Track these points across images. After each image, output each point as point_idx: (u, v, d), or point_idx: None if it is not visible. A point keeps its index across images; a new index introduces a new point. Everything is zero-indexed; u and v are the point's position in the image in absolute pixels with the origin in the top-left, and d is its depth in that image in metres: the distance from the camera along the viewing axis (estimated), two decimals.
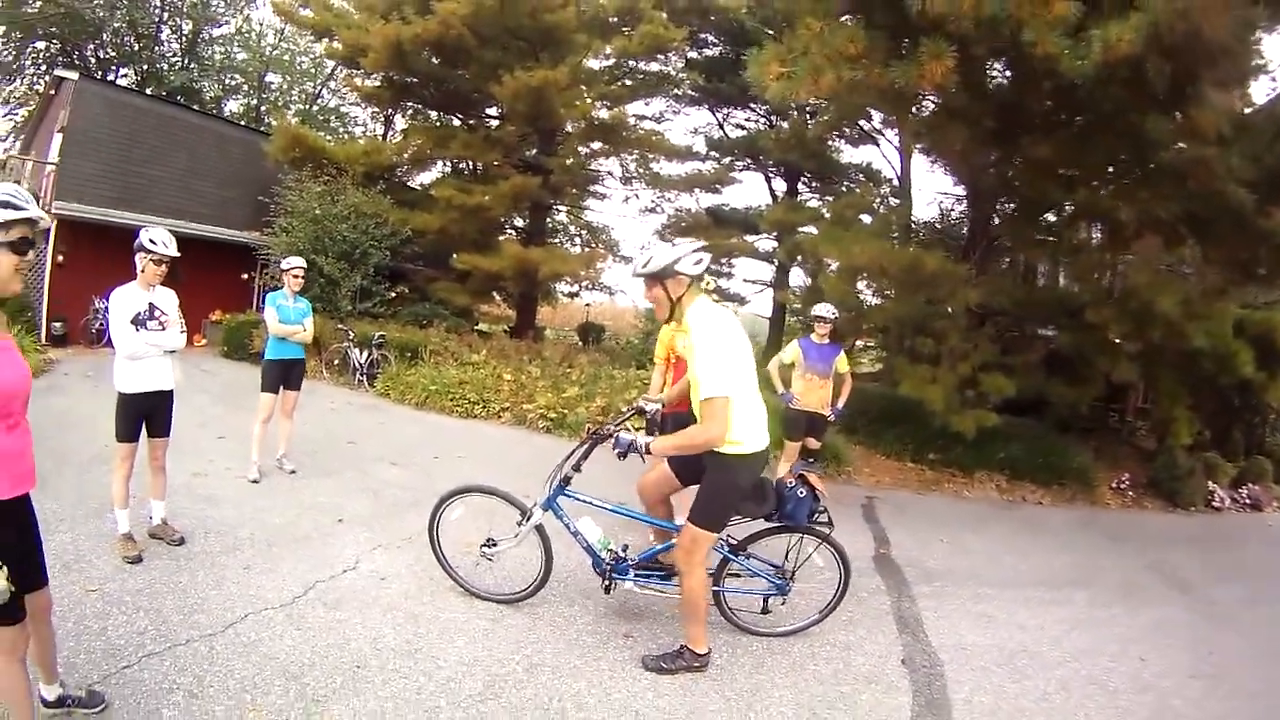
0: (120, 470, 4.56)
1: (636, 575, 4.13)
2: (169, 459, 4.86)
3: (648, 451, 3.59)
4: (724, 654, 3.97)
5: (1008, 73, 8.57)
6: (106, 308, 16.58)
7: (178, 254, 4.65)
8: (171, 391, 4.74)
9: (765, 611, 4.22)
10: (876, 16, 7.39)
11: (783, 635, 4.28)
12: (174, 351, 4.72)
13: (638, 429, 4.63)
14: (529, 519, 4.09)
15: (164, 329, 4.64)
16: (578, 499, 4.13)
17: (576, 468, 4.04)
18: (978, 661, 4.32)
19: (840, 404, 7.36)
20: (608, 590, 4.16)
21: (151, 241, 4.54)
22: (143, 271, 4.60)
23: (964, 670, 4.18)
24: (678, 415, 5.50)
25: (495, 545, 4.24)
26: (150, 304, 4.62)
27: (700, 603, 3.62)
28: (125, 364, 4.53)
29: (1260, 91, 9.80)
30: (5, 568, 2.34)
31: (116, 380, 4.55)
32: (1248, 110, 8.86)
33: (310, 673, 3.34)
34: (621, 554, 4.12)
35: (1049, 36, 6.19)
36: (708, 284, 4.71)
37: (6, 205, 2.35)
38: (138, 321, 4.54)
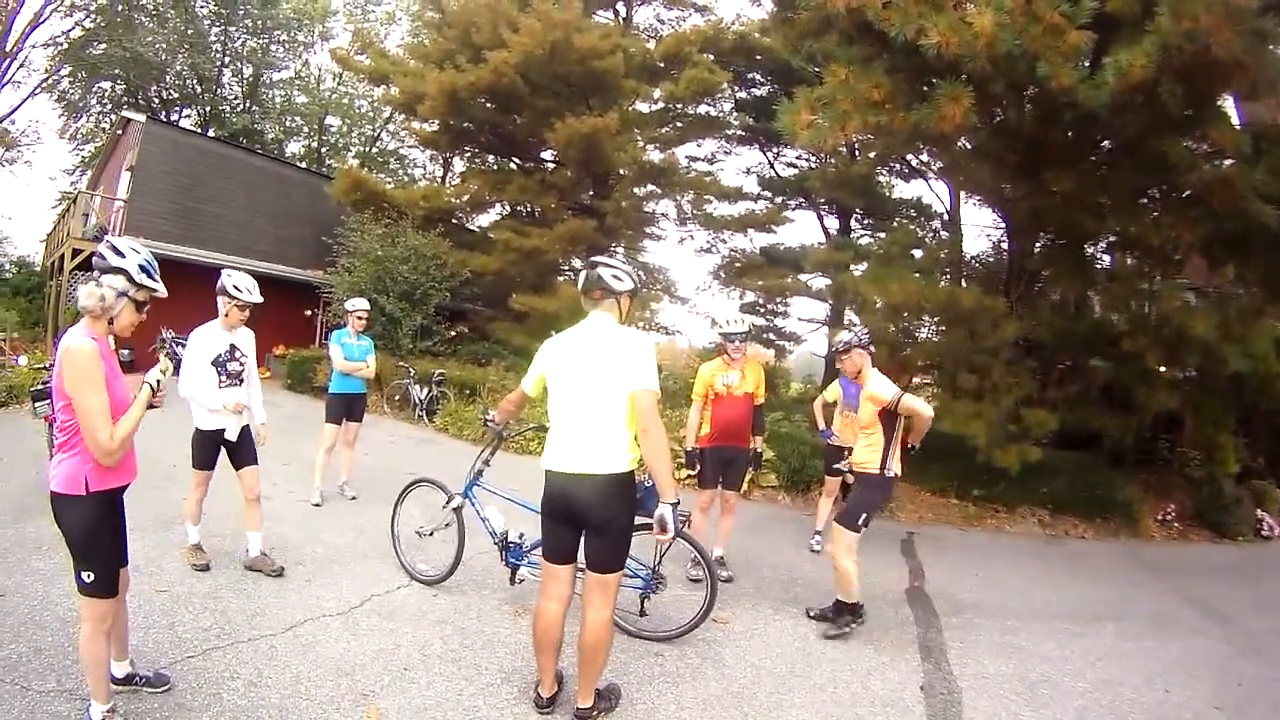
0: (195, 493, 4.86)
1: (530, 563, 4.55)
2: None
3: (493, 420, 4.38)
4: (749, 674, 4.17)
5: (1028, 107, 8.51)
6: (173, 338, 17.40)
7: (260, 299, 4.85)
8: (248, 426, 4.96)
9: (643, 614, 4.42)
10: (899, 61, 7.46)
11: (662, 640, 4.46)
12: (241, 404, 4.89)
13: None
14: (450, 503, 4.82)
15: (243, 368, 4.88)
16: (488, 489, 4.86)
17: (487, 462, 4.84)
18: (997, 690, 4.35)
19: None
20: (513, 580, 4.61)
21: (236, 288, 4.71)
22: (226, 315, 4.78)
23: (982, 698, 4.21)
24: (716, 449, 5.75)
25: (427, 528, 5.05)
26: (231, 345, 4.82)
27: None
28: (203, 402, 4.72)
29: None
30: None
31: (195, 418, 4.77)
32: None
33: (361, 672, 3.68)
34: (517, 540, 4.60)
35: (1064, 68, 6.19)
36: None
37: (145, 272, 2.90)
38: (218, 363, 4.74)
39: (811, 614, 5.17)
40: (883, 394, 4.75)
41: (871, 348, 5.07)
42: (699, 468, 5.88)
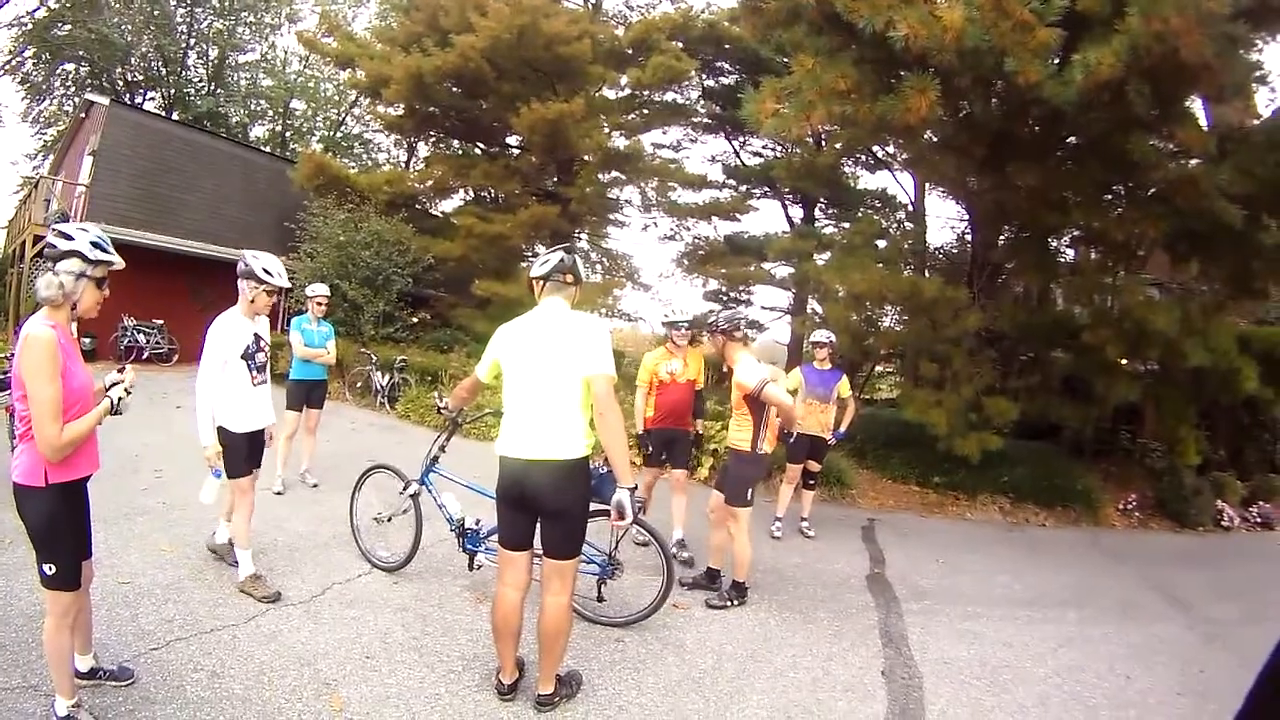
0: (243, 507, 4.37)
1: (487, 549, 4.53)
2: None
3: (447, 406, 4.34)
4: (710, 659, 4.18)
5: (994, 101, 8.59)
6: (135, 326, 16.72)
7: (290, 284, 4.55)
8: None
9: (601, 599, 4.42)
10: (866, 52, 7.48)
11: (622, 625, 4.48)
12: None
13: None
14: (407, 490, 4.79)
15: (266, 361, 4.51)
16: (444, 475, 4.85)
17: (443, 448, 4.77)
18: (958, 675, 4.39)
19: (843, 428, 7.62)
20: (471, 566, 4.61)
21: (265, 272, 4.24)
22: (252, 302, 4.32)
23: (943, 683, 4.25)
24: (660, 431, 6.09)
25: (385, 514, 5.07)
26: (255, 335, 4.39)
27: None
28: (234, 401, 4.29)
29: (1263, 102, 9.54)
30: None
31: (221, 419, 4.25)
32: (1255, 122, 8.76)
33: (323, 660, 3.64)
34: (474, 527, 4.59)
35: (1032, 64, 6.24)
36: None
37: (98, 247, 2.80)
38: (248, 356, 4.32)
39: (684, 582, 5.34)
40: (746, 382, 4.91)
41: (739, 334, 5.19)
42: (649, 450, 6.20)
